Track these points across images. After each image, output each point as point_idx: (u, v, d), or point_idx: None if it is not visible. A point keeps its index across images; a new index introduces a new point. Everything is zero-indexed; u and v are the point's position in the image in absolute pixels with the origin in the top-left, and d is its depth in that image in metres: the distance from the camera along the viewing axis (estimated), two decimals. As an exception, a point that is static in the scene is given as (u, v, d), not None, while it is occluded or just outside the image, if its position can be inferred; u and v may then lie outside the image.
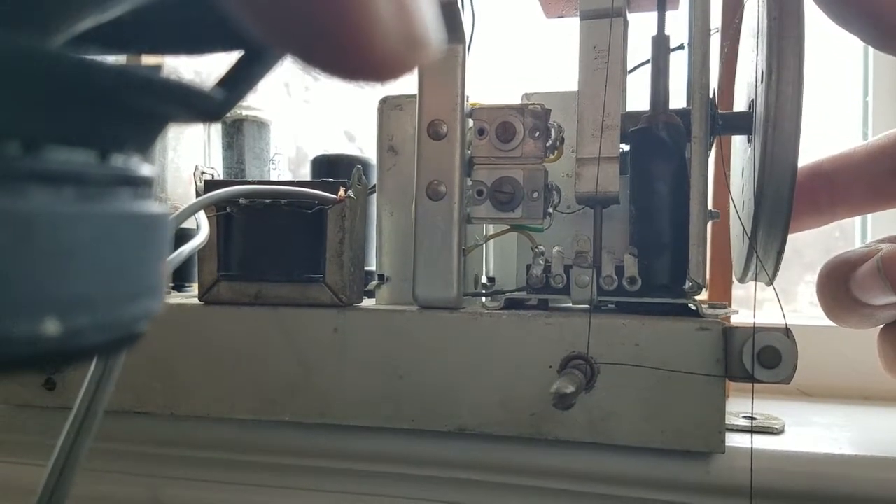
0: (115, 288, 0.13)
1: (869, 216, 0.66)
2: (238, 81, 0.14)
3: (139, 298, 0.13)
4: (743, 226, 0.40)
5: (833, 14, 0.35)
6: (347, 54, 0.11)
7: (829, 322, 0.42)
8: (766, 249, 0.39)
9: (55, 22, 0.13)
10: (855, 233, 0.68)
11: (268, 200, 0.44)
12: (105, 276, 0.12)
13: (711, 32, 0.39)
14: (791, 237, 0.37)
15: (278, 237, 0.45)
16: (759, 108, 0.37)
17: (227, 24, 0.12)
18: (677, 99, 0.42)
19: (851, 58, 0.68)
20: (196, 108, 0.13)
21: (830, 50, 0.67)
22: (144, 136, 0.13)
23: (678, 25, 0.42)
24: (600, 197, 0.41)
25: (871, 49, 0.65)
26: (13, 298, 0.11)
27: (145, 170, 0.13)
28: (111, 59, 0.16)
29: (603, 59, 0.41)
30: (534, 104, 0.42)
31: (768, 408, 0.47)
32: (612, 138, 0.41)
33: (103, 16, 0.13)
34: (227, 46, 0.15)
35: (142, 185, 0.13)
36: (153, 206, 0.13)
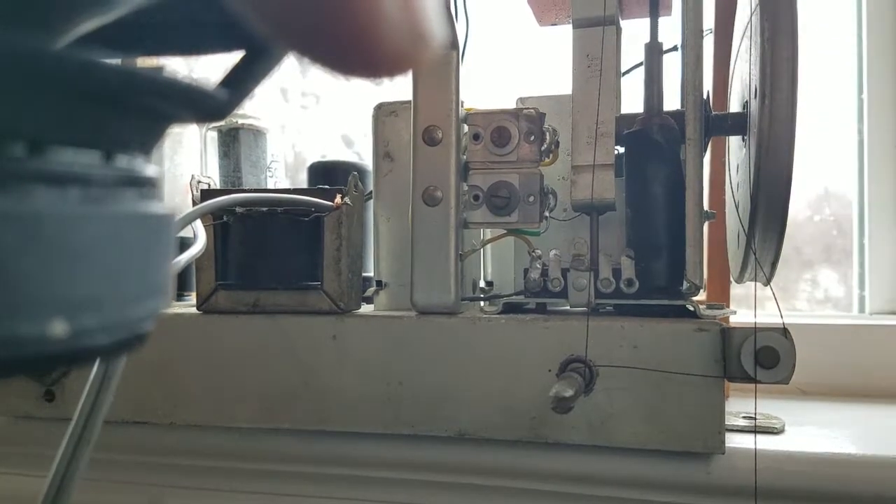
0: (121, 288, 0.13)
1: (867, 213, 0.66)
2: (241, 81, 0.14)
3: (145, 298, 0.13)
4: (741, 224, 0.40)
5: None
6: (352, 50, 0.11)
7: (827, 321, 0.42)
8: (763, 249, 0.39)
9: (59, 23, 0.13)
10: (853, 231, 0.68)
11: (265, 209, 0.44)
12: (111, 276, 0.12)
13: (704, 34, 0.40)
14: (788, 234, 0.37)
15: (276, 245, 0.45)
16: (754, 114, 0.37)
17: (230, 24, 0.12)
18: (671, 101, 0.42)
19: (846, 54, 0.68)
20: (200, 108, 0.13)
21: (825, 47, 0.67)
22: (149, 137, 0.13)
23: (671, 28, 0.42)
24: (596, 204, 0.41)
25: (865, 46, 0.65)
26: (20, 299, 0.11)
27: (150, 170, 0.13)
28: (113, 60, 0.16)
29: (596, 66, 0.41)
30: (528, 108, 0.42)
31: (768, 407, 0.48)
32: (606, 145, 0.41)
33: (106, 17, 0.13)
34: (229, 47, 0.15)
35: (146, 186, 0.13)
36: (158, 207, 0.13)
